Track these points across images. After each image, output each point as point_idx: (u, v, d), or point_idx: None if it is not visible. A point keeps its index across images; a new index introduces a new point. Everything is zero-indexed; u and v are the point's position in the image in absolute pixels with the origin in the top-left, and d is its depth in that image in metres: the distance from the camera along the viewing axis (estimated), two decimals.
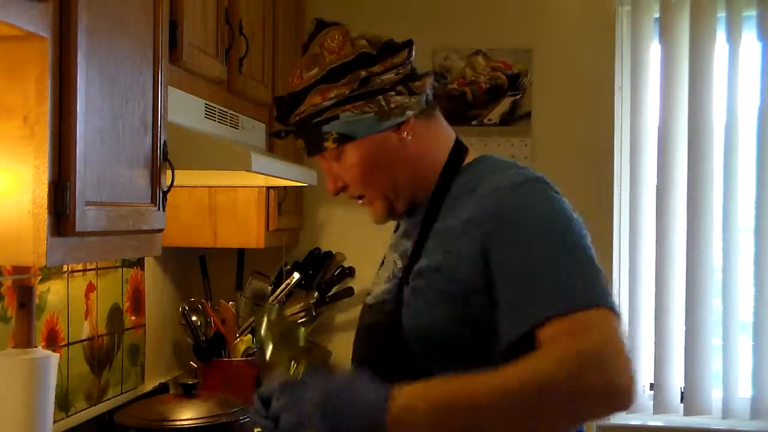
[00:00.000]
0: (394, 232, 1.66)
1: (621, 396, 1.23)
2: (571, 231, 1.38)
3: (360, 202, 1.57)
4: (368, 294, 1.64)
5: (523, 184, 1.41)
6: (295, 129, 1.54)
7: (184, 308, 2.80)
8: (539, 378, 1.23)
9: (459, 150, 1.56)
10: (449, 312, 1.40)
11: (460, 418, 1.24)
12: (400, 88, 1.49)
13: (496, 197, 1.40)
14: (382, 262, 1.65)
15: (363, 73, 1.47)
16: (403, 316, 1.45)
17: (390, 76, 1.48)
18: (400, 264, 1.53)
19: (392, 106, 1.48)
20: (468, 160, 1.55)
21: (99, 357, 2.41)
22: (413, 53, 1.54)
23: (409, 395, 1.26)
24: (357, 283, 3.11)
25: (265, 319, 1.49)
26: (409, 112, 1.49)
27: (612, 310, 1.29)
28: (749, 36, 3.01)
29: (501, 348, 1.32)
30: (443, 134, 1.57)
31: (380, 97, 1.47)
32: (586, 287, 1.31)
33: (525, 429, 1.27)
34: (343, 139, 1.48)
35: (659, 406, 3.05)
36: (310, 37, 1.55)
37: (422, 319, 1.43)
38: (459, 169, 1.52)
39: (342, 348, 3.11)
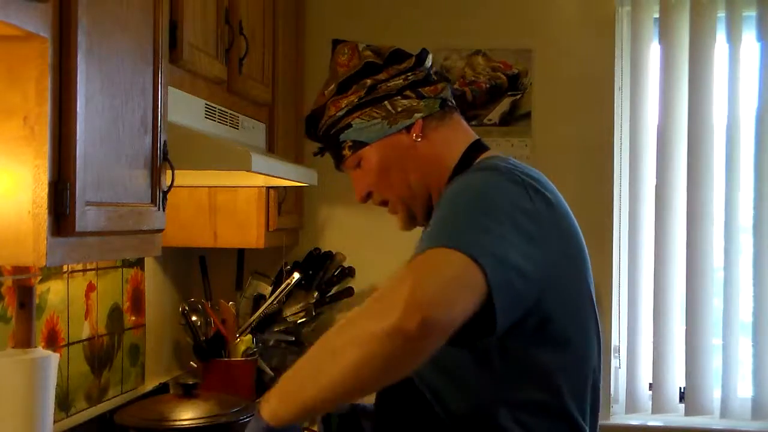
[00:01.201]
0: None
1: (406, 319, 1.17)
2: (486, 198, 1.36)
3: (387, 209, 1.64)
4: None
5: (477, 171, 1.46)
6: (323, 144, 1.64)
7: (184, 308, 2.80)
8: (348, 319, 1.27)
9: (474, 150, 1.58)
10: None
11: (291, 386, 1.32)
12: (407, 92, 1.56)
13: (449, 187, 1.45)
14: None
15: (369, 81, 1.56)
16: None
17: (397, 82, 1.56)
18: None
19: (399, 109, 1.55)
20: (481, 156, 1.57)
21: (99, 357, 2.41)
22: (428, 60, 1.61)
23: (264, 400, 1.36)
24: (357, 283, 3.11)
25: None
26: (417, 115, 1.56)
27: (466, 254, 1.23)
28: (749, 36, 3.00)
29: None
30: (458, 136, 1.60)
31: (386, 102, 1.55)
32: (455, 235, 1.27)
33: (351, 377, 1.25)
34: (358, 145, 1.57)
35: (659, 406, 3.05)
36: (332, 55, 1.65)
37: None
38: (469, 169, 1.54)
39: None
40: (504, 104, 3.13)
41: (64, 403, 2.22)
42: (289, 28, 2.94)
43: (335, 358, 1.25)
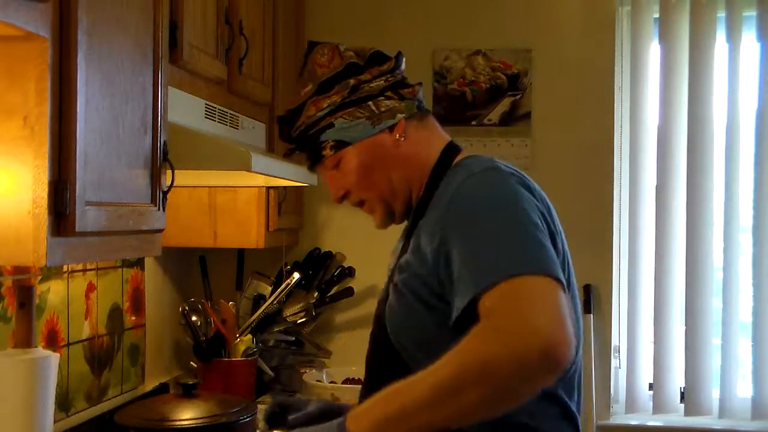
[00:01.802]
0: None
1: (554, 358, 1.20)
2: (515, 205, 1.39)
3: (362, 209, 1.64)
4: None
5: (477, 174, 1.46)
6: (297, 144, 1.63)
7: (184, 308, 2.80)
8: (473, 359, 1.23)
9: (451, 150, 1.61)
10: (424, 313, 1.43)
11: (393, 412, 1.28)
12: (389, 93, 1.58)
13: (454, 190, 1.45)
14: None
15: (352, 81, 1.56)
16: (386, 317, 1.49)
17: (379, 82, 1.58)
18: (392, 264, 1.59)
19: (383, 109, 1.57)
20: (458, 159, 1.59)
21: (99, 357, 2.41)
22: (403, 63, 1.63)
23: (355, 419, 1.32)
24: (357, 283, 3.11)
25: None
26: (400, 115, 1.58)
27: (552, 277, 1.28)
28: (749, 36, 3.00)
29: (451, 325, 1.34)
30: (436, 136, 1.63)
31: (370, 102, 1.57)
32: (524, 257, 1.31)
33: (470, 412, 1.26)
34: (340, 144, 1.57)
35: (659, 406, 3.05)
36: (305, 57, 1.63)
37: (400, 320, 1.47)
38: (448, 168, 1.56)
39: (342, 348, 3.11)
40: (504, 104, 3.13)
41: (64, 403, 2.22)
42: (289, 28, 2.94)
43: (457, 395, 1.23)
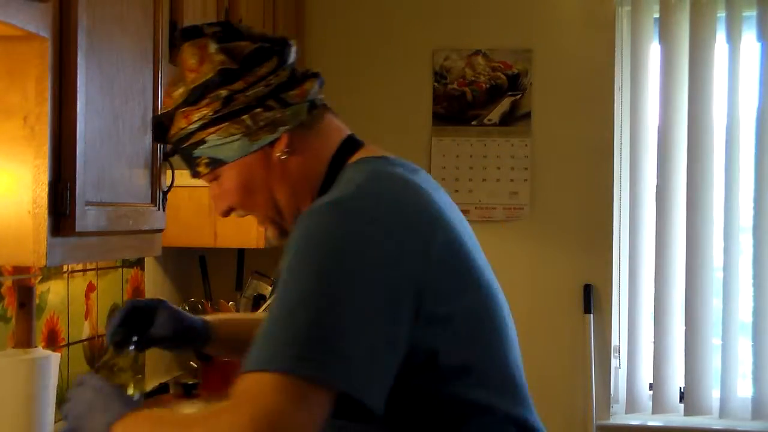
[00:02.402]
0: None
1: None
2: (327, 276, 1.16)
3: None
4: None
5: (319, 210, 1.23)
6: (173, 153, 1.47)
7: (184, 308, 2.79)
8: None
9: (345, 151, 1.40)
10: None
11: None
12: (270, 102, 1.34)
13: (297, 225, 1.25)
14: None
15: (224, 92, 1.33)
16: None
17: (257, 90, 1.34)
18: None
19: (261, 123, 1.34)
20: (348, 164, 1.39)
21: (99, 357, 2.41)
22: (291, 56, 1.39)
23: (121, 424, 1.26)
24: None
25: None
26: (282, 128, 1.35)
27: (289, 373, 1.11)
28: (749, 36, 3.00)
29: None
30: (329, 141, 1.40)
31: (246, 116, 1.33)
32: (286, 348, 1.12)
33: None
34: (215, 162, 1.36)
35: (659, 406, 3.05)
36: (180, 49, 1.40)
37: None
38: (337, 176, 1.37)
39: None
40: (504, 104, 3.13)
41: (63, 404, 2.22)
42: (289, 28, 2.94)
43: None
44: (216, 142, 1.34)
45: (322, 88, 1.43)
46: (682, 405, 3.04)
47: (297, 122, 1.36)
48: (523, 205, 3.09)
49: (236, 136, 1.34)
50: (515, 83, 3.12)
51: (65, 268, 2.22)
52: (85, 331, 2.34)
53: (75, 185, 1.47)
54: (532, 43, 3.13)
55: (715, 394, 3.01)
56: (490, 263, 1.38)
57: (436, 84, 3.15)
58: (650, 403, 3.06)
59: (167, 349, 1.68)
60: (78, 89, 1.47)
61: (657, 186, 3.07)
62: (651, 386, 3.08)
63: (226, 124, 1.33)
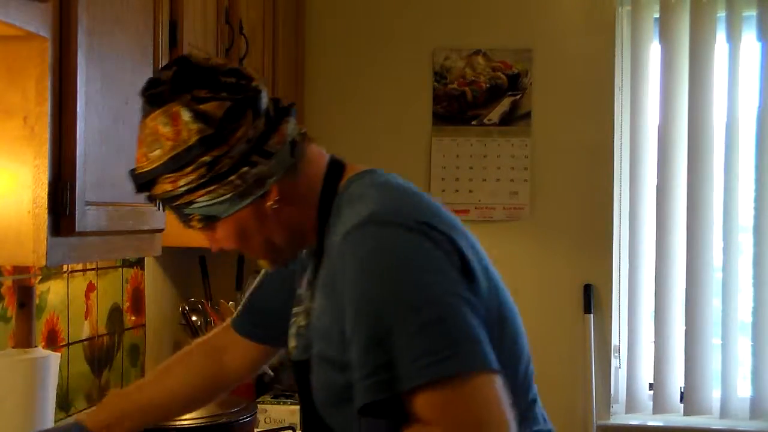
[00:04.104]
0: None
1: None
2: (414, 282, 1.23)
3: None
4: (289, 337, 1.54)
5: (365, 226, 1.27)
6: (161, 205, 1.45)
7: (184, 308, 2.80)
8: None
9: (333, 179, 1.42)
10: (342, 381, 1.30)
11: None
12: (253, 158, 1.33)
13: (343, 246, 1.28)
14: (295, 296, 1.55)
15: (207, 159, 1.31)
16: (315, 398, 1.40)
17: (239, 148, 1.31)
18: (303, 322, 1.47)
19: (250, 181, 1.33)
20: (341, 186, 1.42)
21: (99, 357, 2.41)
22: (262, 101, 1.35)
23: None
24: None
25: None
26: (270, 181, 1.35)
27: (489, 369, 1.19)
28: (749, 36, 3.01)
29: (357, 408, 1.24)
30: (317, 173, 1.41)
31: (233, 177, 1.32)
32: (443, 353, 1.18)
33: None
34: (208, 219, 1.38)
35: (659, 406, 3.05)
36: (145, 103, 1.38)
37: (322, 395, 1.38)
38: (335, 197, 1.40)
39: None
40: (504, 104, 3.13)
41: (64, 403, 2.22)
42: (289, 28, 2.94)
43: None
44: (206, 203, 1.34)
45: (296, 117, 1.41)
46: (682, 405, 3.04)
47: (283, 170, 1.35)
48: (523, 205, 3.10)
49: (226, 196, 1.33)
50: (515, 83, 3.12)
51: (65, 268, 2.22)
52: (85, 331, 2.34)
53: (75, 185, 1.47)
54: (532, 43, 3.13)
55: (715, 394, 3.01)
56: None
57: (436, 84, 3.15)
58: (650, 403, 3.07)
59: None
60: (78, 89, 1.47)
61: (657, 186, 3.07)
62: (651, 386, 3.08)
63: (215, 186, 1.33)
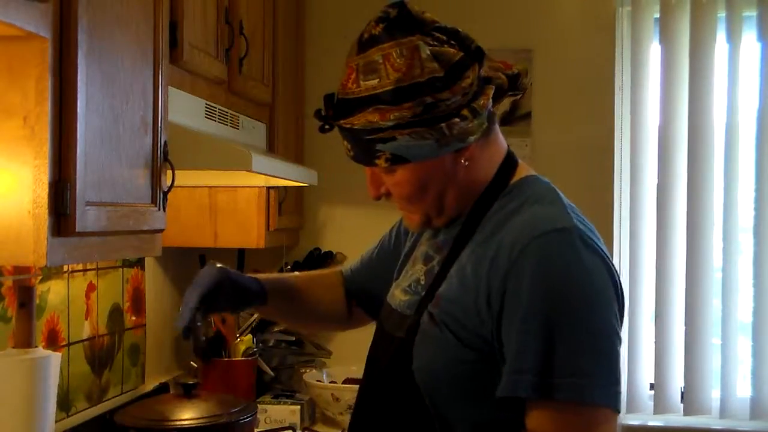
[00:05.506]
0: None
1: None
2: (600, 309, 1.31)
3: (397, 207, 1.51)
4: (391, 287, 1.56)
5: (557, 235, 1.33)
6: (342, 134, 1.42)
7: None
8: None
9: (508, 166, 1.48)
10: (459, 352, 1.35)
11: None
12: (465, 112, 1.36)
13: (524, 243, 1.32)
14: (408, 255, 1.58)
15: (429, 99, 1.33)
16: (414, 352, 1.40)
17: (457, 99, 1.35)
18: (423, 281, 1.47)
19: (455, 132, 1.36)
20: (516, 177, 1.48)
21: (99, 357, 2.41)
22: (485, 62, 1.43)
23: None
24: None
25: None
26: (471, 138, 1.38)
27: (615, 409, 1.29)
28: (749, 36, 3.00)
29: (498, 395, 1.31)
30: (498, 152, 1.48)
31: (443, 124, 1.35)
32: (596, 380, 1.27)
33: None
34: (397, 159, 1.37)
35: (659, 406, 3.05)
36: (371, 37, 1.42)
37: (430, 360, 1.38)
38: (504, 188, 1.45)
39: (342, 348, 3.11)
40: (504, 104, 3.10)
41: (64, 403, 2.22)
42: (289, 28, 2.94)
43: None
44: (406, 143, 1.35)
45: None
46: (682, 405, 3.03)
47: (482, 132, 1.40)
48: None
49: (428, 141, 1.35)
50: (515, 83, 3.10)
51: (65, 268, 2.22)
52: (86, 331, 2.34)
53: (75, 185, 1.47)
54: (532, 43, 3.13)
55: (715, 394, 3.01)
56: None
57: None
58: (650, 403, 3.07)
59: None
60: (78, 89, 1.47)
61: (657, 186, 3.07)
62: (651, 386, 3.08)
63: (422, 128, 1.34)
